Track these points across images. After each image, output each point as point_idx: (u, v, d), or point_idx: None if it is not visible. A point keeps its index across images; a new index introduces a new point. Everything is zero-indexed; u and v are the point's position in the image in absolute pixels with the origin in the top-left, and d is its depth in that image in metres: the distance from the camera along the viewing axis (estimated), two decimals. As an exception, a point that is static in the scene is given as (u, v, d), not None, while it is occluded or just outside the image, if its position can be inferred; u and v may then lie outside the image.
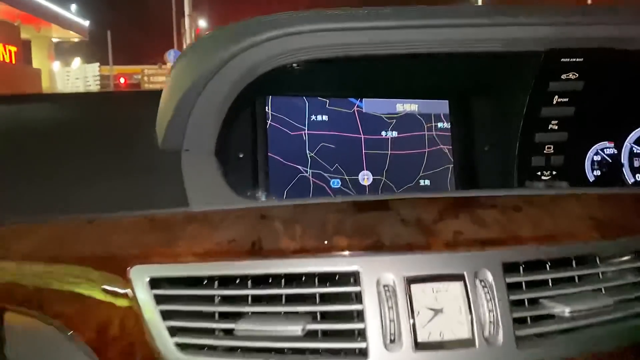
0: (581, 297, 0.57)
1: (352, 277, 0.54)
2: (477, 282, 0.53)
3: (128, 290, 0.54)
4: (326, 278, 0.55)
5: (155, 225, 0.59)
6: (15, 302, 0.56)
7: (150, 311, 0.53)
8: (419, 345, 0.50)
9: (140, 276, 0.54)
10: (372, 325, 0.51)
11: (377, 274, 0.52)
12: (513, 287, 0.54)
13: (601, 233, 0.59)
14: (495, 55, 0.71)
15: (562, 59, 0.73)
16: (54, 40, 19.32)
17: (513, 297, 0.53)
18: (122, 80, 21.67)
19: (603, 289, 0.58)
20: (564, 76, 0.74)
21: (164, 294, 0.54)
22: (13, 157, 0.70)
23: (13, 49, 14.53)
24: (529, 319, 0.55)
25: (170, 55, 18.38)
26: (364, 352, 0.50)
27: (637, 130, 0.89)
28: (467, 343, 0.51)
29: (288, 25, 0.61)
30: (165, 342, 0.53)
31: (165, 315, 0.53)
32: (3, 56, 13.92)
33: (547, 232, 0.58)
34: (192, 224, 0.58)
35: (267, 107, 0.81)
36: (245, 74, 0.66)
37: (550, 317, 0.56)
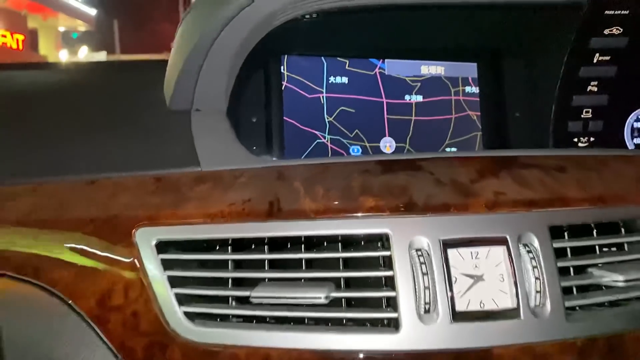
0: (632, 266, 0.51)
1: (380, 241, 0.48)
2: (521, 246, 0.47)
3: (132, 256, 0.49)
4: (351, 242, 0.50)
5: (162, 186, 0.53)
6: (9, 268, 0.51)
7: (157, 277, 0.48)
8: (456, 316, 0.45)
9: (146, 239, 0.49)
10: (404, 293, 0.45)
11: (409, 236, 0.47)
12: (560, 254, 0.49)
13: None
14: (533, 8, 0.65)
15: (607, 12, 0.66)
16: (61, 29, 19.33)
17: (561, 264, 0.48)
18: (128, 69, 21.62)
19: None
20: (607, 31, 0.68)
21: (172, 259, 0.49)
22: (14, 120, 0.65)
23: (20, 37, 14.57)
24: (575, 289, 0.49)
25: (177, 44, 18.34)
26: (395, 323, 0.45)
27: None
28: (511, 314, 0.45)
29: None
30: (173, 311, 0.48)
31: (174, 282, 0.48)
32: (10, 44, 13.98)
33: (596, 194, 0.52)
34: (203, 183, 0.53)
35: (282, 67, 0.75)
36: (259, 25, 0.60)
37: (598, 287, 0.51)
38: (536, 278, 0.46)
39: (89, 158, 0.59)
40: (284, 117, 0.75)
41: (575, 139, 0.75)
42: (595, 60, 0.71)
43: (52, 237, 0.52)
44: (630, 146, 0.81)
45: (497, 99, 0.82)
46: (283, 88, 0.75)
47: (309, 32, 0.70)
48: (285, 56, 0.75)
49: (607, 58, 0.71)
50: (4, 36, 13.71)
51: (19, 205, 0.54)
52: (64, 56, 18.43)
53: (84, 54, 19.48)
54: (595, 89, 0.73)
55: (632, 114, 0.82)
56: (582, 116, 0.74)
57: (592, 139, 0.76)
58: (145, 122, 0.63)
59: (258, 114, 0.76)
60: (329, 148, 0.76)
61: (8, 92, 0.71)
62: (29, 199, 0.55)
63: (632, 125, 0.82)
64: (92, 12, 19.71)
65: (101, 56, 16.91)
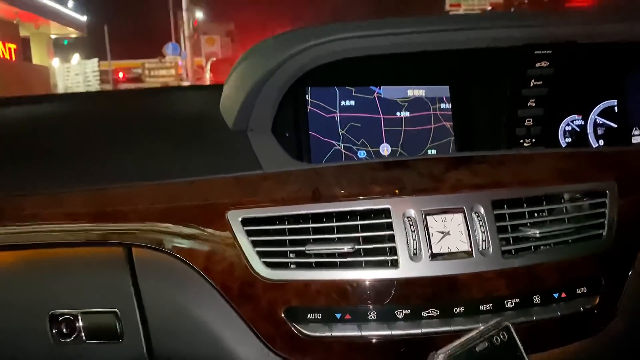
0: (550, 225, 0.79)
1: (384, 213, 0.76)
2: (473, 214, 0.75)
3: (227, 229, 0.76)
4: (366, 215, 0.77)
5: (240, 183, 0.81)
6: (148, 242, 0.78)
7: (244, 241, 0.76)
8: (433, 257, 0.73)
9: (235, 217, 0.76)
10: (400, 244, 0.73)
11: (402, 209, 0.75)
12: (501, 218, 0.77)
13: (564, 180, 0.81)
14: (484, 50, 0.93)
15: (535, 52, 0.95)
16: (53, 37, 19.43)
17: (499, 224, 0.76)
18: (120, 75, 21.78)
19: (567, 220, 0.80)
20: (537, 64, 0.96)
21: (253, 229, 0.76)
22: (132, 136, 0.93)
23: (12, 46, 14.68)
24: (511, 239, 0.77)
25: (169, 48, 18.45)
26: (395, 263, 0.73)
27: (599, 105, 1.11)
28: (467, 254, 0.74)
29: (336, 33, 0.83)
30: (256, 262, 0.75)
31: (255, 243, 0.76)
32: (3, 53, 14.07)
33: (524, 178, 0.80)
34: (267, 180, 0.81)
35: (307, 96, 1.03)
36: (297, 70, 0.88)
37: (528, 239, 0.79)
38: (482, 232, 0.74)
39: (184, 166, 0.86)
40: (310, 132, 1.03)
41: (521, 141, 1.04)
42: (531, 84, 0.99)
43: (170, 219, 0.79)
44: (563, 144, 1.10)
45: (465, 113, 1.10)
46: (308, 111, 1.03)
47: (326, 71, 0.98)
48: (309, 87, 1.03)
49: (540, 82, 0.99)
50: (-4, 45, 13.82)
51: (144, 198, 0.81)
52: (56, 63, 18.55)
53: (76, 60, 19.58)
54: (534, 104, 1.01)
55: (564, 120, 1.11)
56: (525, 124, 1.02)
57: (533, 140, 1.04)
58: (218, 140, 0.91)
59: (290, 130, 1.03)
60: (343, 153, 1.04)
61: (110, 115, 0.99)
62: (151, 195, 0.82)
63: (564, 129, 1.11)
64: (83, 18, 19.82)
65: (93, 63, 17.03)
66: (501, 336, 0.57)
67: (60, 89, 16.17)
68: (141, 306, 0.79)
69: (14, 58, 14.68)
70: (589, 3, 8.13)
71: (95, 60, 17.22)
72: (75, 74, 17.19)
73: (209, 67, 15.15)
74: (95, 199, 0.82)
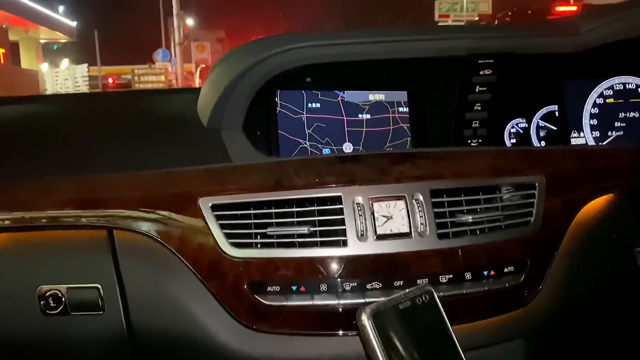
0: (483, 212, 0.90)
1: (337, 200, 0.86)
2: (414, 201, 0.86)
3: (198, 215, 0.86)
4: (321, 201, 0.88)
5: (211, 174, 0.91)
6: (127, 225, 0.88)
7: (214, 224, 0.86)
8: (378, 237, 0.83)
9: (205, 203, 0.86)
10: (350, 226, 0.83)
11: (353, 196, 0.85)
12: (439, 206, 0.87)
13: (498, 174, 0.92)
14: (433, 59, 1.04)
15: (479, 61, 1.06)
16: (42, 41, 19.43)
17: (437, 210, 0.86)
18: (110, 80, 21.79)
19: (500, 208, 0.91)
20: (481, 72, 1.08)
21: (222, 214, 0.86)
22: (116, 135, 1.03)
23: (1, 50, 14.69)
24: (449, 224, 0.88)
25: (159, 55, 18.49)
26: (345, 242, 0.83)
27: (542, 109, 1.23)
28: (407, 236, 0.84)
29: (294, 42, 0.95)
30: (224, 242, 0.84)
31: (223, 226, 0.85)
32: (-9, 57, 14.08)
33: (461, 171, 0.91)
34: (235, 172, 0.91)
35: (276, 98, 1.14)
36: (264, 74, 0.99)
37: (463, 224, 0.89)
38: (421, 217, 0.85)
39: (162, 158, 0.96)
40: (279, 131, 1.13)
41: (469, 141, 1.15)
42: (477, 90, 1.11)
43: (149, 204, 0.89)
44: (509, 145, 1.22)
45: (420, 115, 1.21)
46: (277, 112, 1.14)
47: (294, 75, 1.09)
48: (279, 90, 1.14)
49: (484, 88, 1.11)
50: (-15, 50, 13.82)
51: (126, 186, 0.91)
52: (45, 68, 18.54)
53: (65, 65, 19.56)
54: (479, 108, 1.13)
55: (510, 123, 1.22)
56: (472, 126, 1.14)
57: (480, 140, 1.16)
58: (194, 136, 1.02)
59: (261, 129, 1.14)
60: (309, 150, 1.15)
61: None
62: (131, 182, 0.92)
63: (510, 131, 1.22)
64: (73, 24, 19.85)
65: (82, 68, 17.03)
66: (424, 298, 0.68)
67: (50, 93, 16.15)
68: (121, 282, 0.88)
69: (2, 62, 14.68)
70: (573, 14, 8.32)
71: (85, 65, 17.22)
72: (64, 78, 17.17)
73: (198, 73, 15.24)
74: (81, 187, 0.92)
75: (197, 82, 15.34)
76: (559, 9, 8.45)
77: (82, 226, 0.90)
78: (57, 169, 0.96)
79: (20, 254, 0.91)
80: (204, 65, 16.81)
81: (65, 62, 20.19)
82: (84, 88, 16.40)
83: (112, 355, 0.90)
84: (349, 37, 0.97)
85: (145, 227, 0.88)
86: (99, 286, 0.88)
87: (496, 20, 8.64)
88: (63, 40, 20.29)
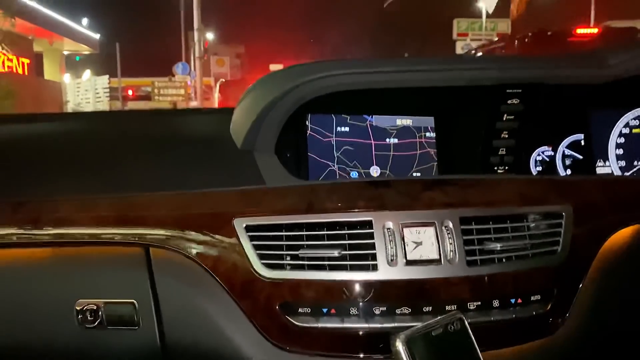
0: (511, 240, 0.91)
1: (367, 225, 0.88)
2: (443, 227, 0.88)
3: (233, 235, 0.89)
4: (352, 225, 0.90)
5: (245, 195, 0.94)
6: (167, 244, 0.91)
7: (247, 245, 0.88)
8: (407, 262, 0.85)
9: (240, 224, 0.89)
10: (380, 251, 0.86)
11: (383, 222, 0.87)
12: (468, 233, 0.89)
13: (526, 202, 0.94)
14: (464, 87, 1.07)
15: (507, 90, 1.09)
16: (65, 52, 19.85)
17: (466, 238, 0.88)
18: (130, 92, 22.14)
19: (527, 237, 0.93)
20: (509, 101, 1.10)
21: (255, 235, 0.89)
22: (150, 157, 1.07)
23: (26, 61, 15.01)
24: (477, 251, 0.89)
25: (179, 68, 18.78)
26: (374, 267, 0.85)
27: (568, 138, 1.24)
28: (436, 262, 0.86)
29: (328, 70, 0.98)
30: (257, 263, 0.87)
31: (256, 247, 0.88)
32: (16, 68, 14.39)
33: (490, 199, 0.93)
34: (269, 194, 0.94)
35: (307, 121, 1.17)
36: (297, 100, 1.02)
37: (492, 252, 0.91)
38: (450, 244, 0.86)
39: (198, 179, 0.99)
40: (309, 153, 1.16)
41: (495, 168, 1.17)
42: (504, 118, 1.13)
43: (186, 226, 0.92)
44: (534, 172, 1.23)
45: (447, 141, 1.23)
46: (308, 135, 1.17)
47: (324, 100, 1.12)
48: (310, 114, 1.17)
49: (512, 117, 1.13)
50: (11, 60, 14.12)
51: (165, 206, 0.95)
52: (67, 79, 18.91)
53: (87, 76, 19.93)
54: (507, 136, 1.15)
55: (536, 150, 1.24)
56: (499, 153, 1.16)
57: (506, 167, 1.17)
58: (227, 157, 1.05)
59: (291, 151, 1.17)
60: (337, 173, 1.17)
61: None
62: (168, 203, 0.95)
63: (536, 159, 1.24)
64: (96, 36, 20.27)
65: (103, 80, 17.32)
66: (455, 325, 0.69)
67: (71, 104, 16.45)
68: (156, 299, 0.91)
69: (27, 72, 15.01)
70: (592, 38, 8.29)
71: (106, 77, 17.52)
72: (85, 89, 17.49)
73: (217, 87, 15.45)
74: (120, 205, 0.96)
75: (215, 97, 15.53)
76: (580, 31, 8.39)
77: (120, 243, 0.93)
78: (96, 186, 1.00)
79: (59, 268, 0.94)
80: (223, 80, 17.02)
81: (87, 74, 20.58)
82: (104, 99, 16.68)
83: None
84: (381, 66, 1.00)
85: (180, 245, 0.91)
86: (135, 302, 0.90)
87: (516, 41, 8.62)
88: (86, 52, 20.71)
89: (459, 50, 16.08)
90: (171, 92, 14.48)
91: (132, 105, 18.54)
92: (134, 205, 0.95)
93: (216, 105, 15.04)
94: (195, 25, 17.32)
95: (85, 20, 19.53)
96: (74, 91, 17.62)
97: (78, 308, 0.90)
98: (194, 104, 17.28)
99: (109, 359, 0.92)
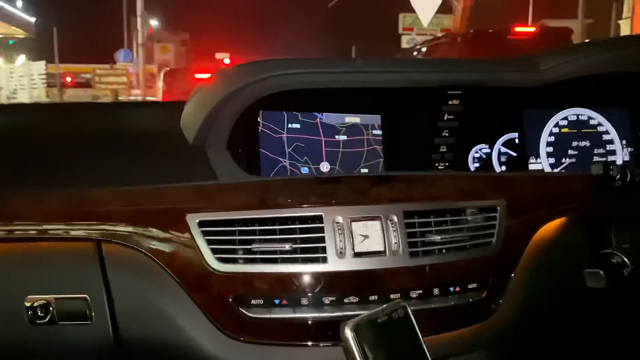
0: (451, 232, 0.98)
1: (318, 219, 0.93)
2: (389, 221, 0.93)
3: (186, 230, 0.91)
4: (303, 220, 0.94)
5: (198, 191, 0.96)
6: (120, 239, 0.92)
7: (201, 240, 0.90)
8: (355, 255, 0.90)
9: (193, 220, 0.91)
10: (330, 244, 0.90)
11: (333, 216, 0.92)
12: (411, 226, 0.95)
13: (464, 197, 1.01)
14: (408, 88, 1.13)
15: (449, 92, 1.15)
16: (-2, 36, 18.76)
17: (409, 230, 0.94)
18: (68, 79, 21.21)
19: (465, 229, 0.99)
20: (450, 102, 1.17)
21: (209, 230, 0.91)
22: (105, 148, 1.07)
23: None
24: (419, 243, 0.95)
25: (120, 55, 18.14)
26: (324, 259, 0.89)
27: (504, 136, 1.33)
28: (381, 253, 0.91)
29: (282, 69, 1.01)
30: (210, 257, 0.89)
31: (209, 242, 0.90)
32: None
33: (431, 194, 0.99)
34: (222, 190, 0.96)
35: (259, 118, 1.19)
36: (250, 97, 1.05)
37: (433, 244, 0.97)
38: (395, 237, 0.92)
39: (150, 174, 1.00)
40: (260, 149, 1.19)
41: (437, 164, 1.24)
42: (445, 118, 1.20)
43: (139, 221, 0.93)
44: (472, 169, 1.31)
45: (392, 139, 1.29)
46: (259, 131, 1.19)
47: (276, 97, 1.15)
48: (261, 111, 1.20)
49: (452, 117, 1.20)
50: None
51: (118, 200, 0.95)
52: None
53: (22, 61, 18.93)
54: (447, 134, 1.22)
55: (474, 148, 1.32)
56: (439, 150, 1.23)
57: (447, 164, 1.25)
58: (178, 152, 1.06)
59: (243, 147, 1.19)
60: (288, 169, 1.21)
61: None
62: (120, 199, 0.96)
63: (474, 156, 1.32)
64: (32, 19, 19.26)
65: (40, 65, 16.49)
66: (399, 312, 0.75)
67: (4, 91, 15.58)
68: (109, 293, 0.92)
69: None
70: (530, 36, 8.69)
71: (43, 62, 16.68)
72: (19, 75, 16.59)
73: (162, 76, 15.06)
74: (71, 201, 0.96)
75: (159, 85, 15.14)
76: (518, 29, 8.81)
77: (71, 238, 0.93)
78: (47, 181, 0.99)
79: (9, 264, 0.94)
80: (167, 68, 16.59)
81: (21, 59, 19.55)
82: (40, 86, 15.89)
83: None
84: (334, 66, 1.04)
85: (133, 241, 0.92)
86: (87, 297, 0.91)
87: (459, 38, 8.91)
88: (20, 36, 19.65)
89: (404, 44, 16.38)
90: (112, 79, 13.99)
91: (70, 92, 17.77)
92: (85, 201, 0.96)
93: (160, 94, 14.67)
94: (139, 11, 16.76)
95: (19, 2, 18.49)
96: (7, 77, 16.69)
97: (28, 304, 0.90)
98: (136, 92, 16.78)
99: (61, 354, 0.92)
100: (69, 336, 0.92)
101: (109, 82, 14.71)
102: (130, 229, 0.93)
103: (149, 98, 16.01)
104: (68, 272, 0.93)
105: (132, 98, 15.33)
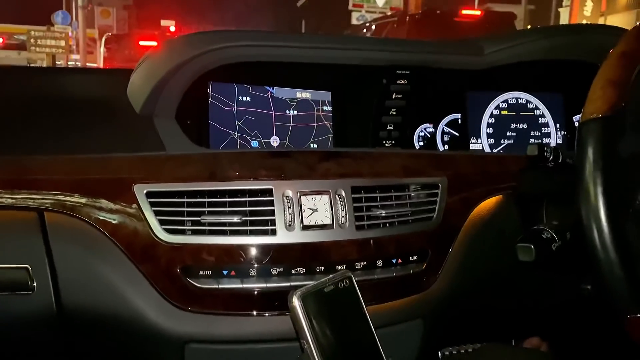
0: (395, 207, 1.02)
1: (268, 193, 0.94)
2: (337, 196, 0.96)
3: (133, 201, 0.90)
4: (253, 193, 0.95)
5: (147, 161, 0.95)
6: (62, 208, 0.90)
7: (148, 211, 0.90)
8: (303, 227, 0.93)
9: (140, 190, 0.90)
10: (279, 217, 0.92)
11: (282, 190, 0.93)
12: (358, 201, 0.98)
13: (408, 174, 1.05)
14: (356, 66, 1.15)
15: (397, 71, 1.18)
16: None
17: (356, 205, 0.97)
18: (0, 39, 19.89)
19: (408, 204, 1.04)
20: (398, 81, 1.20)
21: (156, 201, 0.91)
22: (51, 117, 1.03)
23: None
24: (365, 217, 0.99)
25: (59, 17, 17.18)
26: (274, 231, 0.91)
27: (447, 117, 1.38)
28: (329, 227, 0.94)
29: (232, 40, 1.00)
30: (157, 228, 0.89)
31: (157, 213, 0.90)
32: None
33: (378, 171, 1.02)
34: (171, 161, 0.96)
35: (209, 89, 1.18)
36: (200, 68, 1.04)
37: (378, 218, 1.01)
38: (342, 210, 0.95)
39: (96, 143, 0.98)
40: (210, 121, 1.18)
41: (383, 142, 1.28)
42: (393, 97, 1.23)
43: (84, 191, 0.91)
44: (417, 147, 1.36)
45: (342, 115, 1.31)
46: (209, 103, 1.19)
47: (226, 69, 1.14)
48: (211, 82, 1.19)
49: (400, 96, 1.23)
50: None
51: (64, 169, 0.93)
52: None
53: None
54: (395, 113, 1.26)
55: (419, 127, 1.37)
56: (387, 129, 1.26)
57: (393, 142, 1.28)
58: (125, 121, 1.04)
59: (192, 118, 1.18)
60: (238, 142, 1.21)
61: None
62: (65, 167, 0.93)
63: (419, 134, 1.37)
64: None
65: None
66: (344, 283, 0.78)
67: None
68: (52, 263, 0.90)
69: None
70: (476, 19, 8.93)
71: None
72: (-56, 33, 15.42)
73: (103, 41, 14.39)
74: (12, 168, 0.92)
75: (100, 51, 14.47)
76: (465, 12, 9.04)
77: (12, 207, 0.91)
78: None
79: None
80: (109, 34, 15.85)
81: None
82: (-33, 46, 14.84)
83: (40, 335, 0.92)
84: (285, 40, 1.04)
85: (78, 210, 0.90)
86: (29, 266, 0.89)
87: (407, 17, 9.02)
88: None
89: (354, 20, 16.38)
90: (50, 42, 13.20)
91: (1, 54, 16.71)
92: (27, 169, 0.93)
93: (101, 60, 14.03)
94: (78, -29, 15.87)
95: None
96: None
97: None
98: (75, 57, 15.97)
99: (2, 325, 0.90)
100: (9, 306, 0.90)
101: (47, 45, 13.87)
102: (75, 198, 0.91)
103: (89, 64, 15.30)
104: (9, 241, 0.90)
105: (70, 64, 14.59)
